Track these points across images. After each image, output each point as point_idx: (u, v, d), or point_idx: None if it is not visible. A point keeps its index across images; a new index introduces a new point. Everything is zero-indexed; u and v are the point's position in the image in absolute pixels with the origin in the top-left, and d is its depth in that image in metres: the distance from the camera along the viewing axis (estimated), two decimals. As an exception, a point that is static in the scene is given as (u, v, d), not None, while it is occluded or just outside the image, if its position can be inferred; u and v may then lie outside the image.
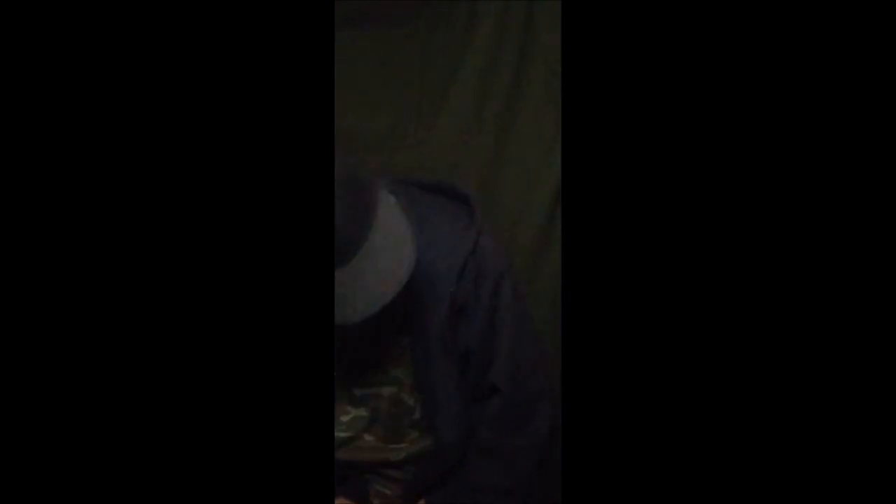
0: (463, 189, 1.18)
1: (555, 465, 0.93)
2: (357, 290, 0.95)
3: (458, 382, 1.14)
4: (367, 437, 1.16)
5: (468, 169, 1.40)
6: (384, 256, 0.96)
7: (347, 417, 1.15)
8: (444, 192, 1.15)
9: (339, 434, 1.15)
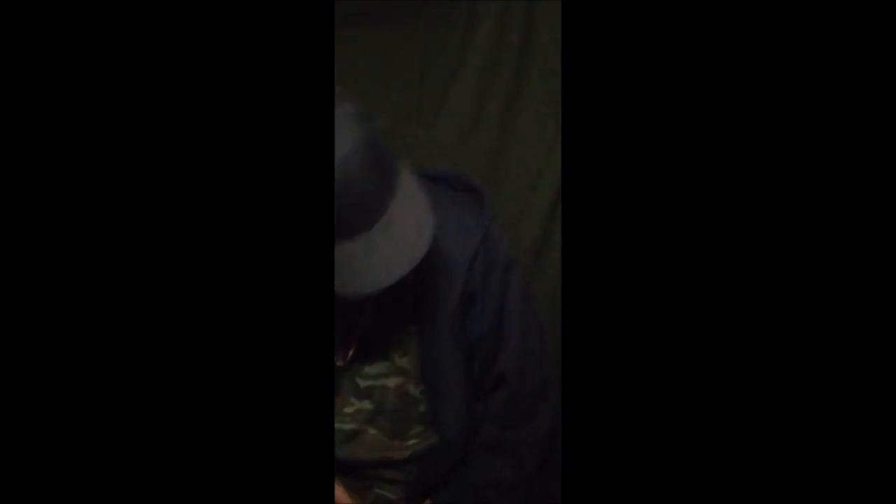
0: (471, 180, 1.17)
1: (560, 461, 0.93)
2: (373, 260, 0.94)
3: (464, 374, 1.13)
4: (372, 431, 1.15)
5: (468, 169, 1.40)
6: (403, 229, 0.95)
7: (351, 409, 1.14)
8: (452, 183, 1.15)
9: (343, 426, 1.14)
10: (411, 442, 1.16)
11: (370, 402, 1.13)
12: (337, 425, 1.13)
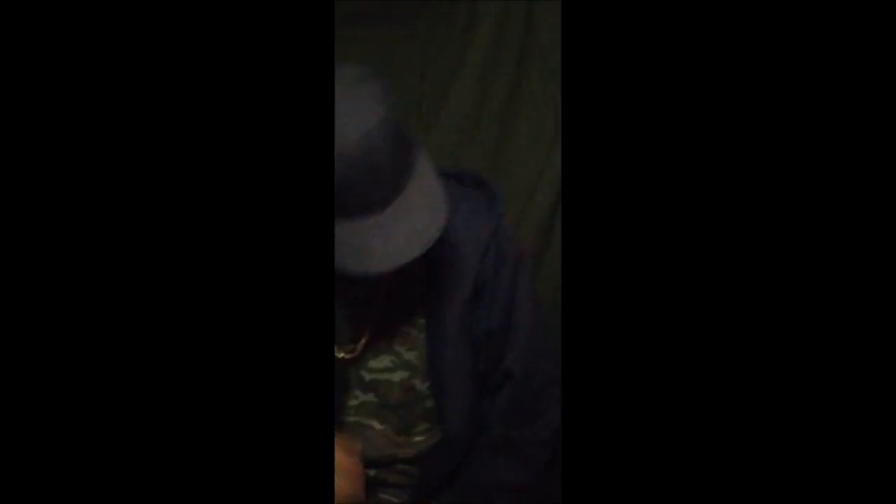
0: (481, 177, 1.18)
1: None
2: (384, 241, 0.93)
3: (470, 370, 1.12)
4: (377, 426, 1.14)
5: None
6: (416, 213, 0.95)
7: (356, 402, 1.13)
8: (462, 179, 1.14)
9: (348, 419, 1.13)
10: (417, 439, 1.15)
11: (375, 396, 1.12)
12: (341, 419, 1.12)
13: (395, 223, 0.94)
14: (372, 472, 1.16)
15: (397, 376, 1.12)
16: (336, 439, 1.00)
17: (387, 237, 0.94)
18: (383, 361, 1.12)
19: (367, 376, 1.12)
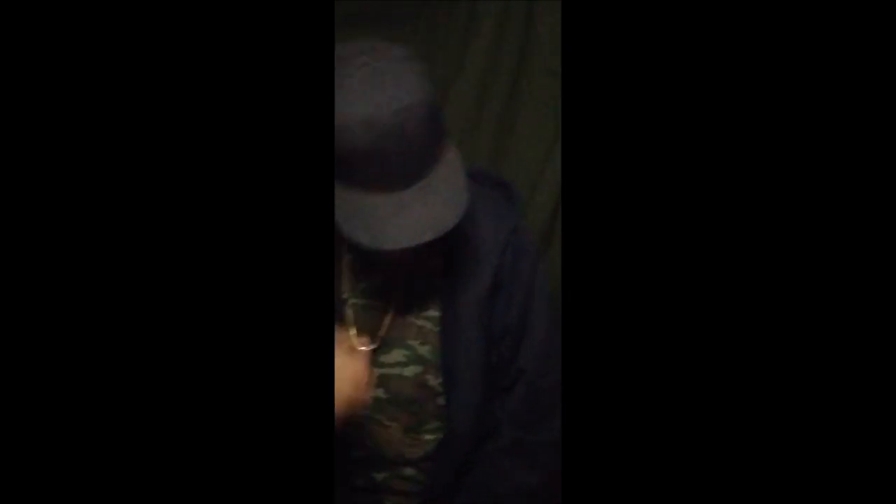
0: (498, 176, 1.17)
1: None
2: (400, 220, 0.93)
3: (484, 366, 1.11)
4: (386, 423, 1.13)
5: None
6: (438, 197, 0.95)
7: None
8: (478, 178, 1.14)
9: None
10: (427, 438, 1.14)
11: (385, 392, 1.11)
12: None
13: (414, 204, 0.94)
14: (379, 477, 1.15)
15: (410, 371, 1.11)
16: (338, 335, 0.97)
17: (404, 216, 0.93)
18: (395, 356, 1.11)
19: (378, 371, 1.10)
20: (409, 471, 1.15)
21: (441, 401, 1.12)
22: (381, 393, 1.11)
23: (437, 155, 0.96)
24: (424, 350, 1.11)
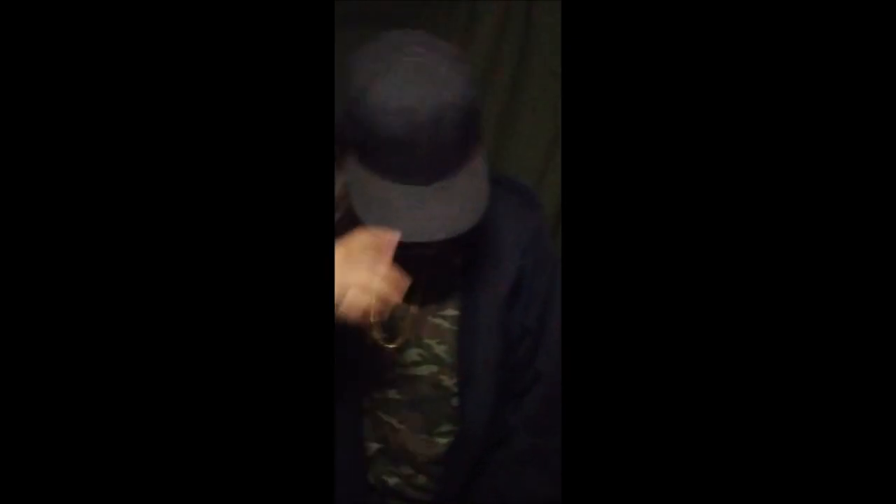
0: (519, 181, 1.18)
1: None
2: (415, 214, 0.93)
3: (499, 366, 1.11)
4: (398, 425, 1.12)
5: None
6: (458, 199, 0.95)
7: (377, 397, 1.11)
8: (503, 183, 1.14)
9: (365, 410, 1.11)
10: (439, 440, 1.13)
11: (398, 393, 1.11)
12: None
13: (431, 201, 0.94)
14: (392, 481, 1.15)
15: (424, 370, 1.10)
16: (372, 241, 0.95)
17: (419, 212, 0.93)
18: (410, 355, 1.10)
19: (391, 372, 1.10)
20: (421, 479, 1.15)
21: (455, 402, 1.11)
22: (393, 394, 1.11)
23: (465, 159, 0.96)
24: (441, 349, 1.10)
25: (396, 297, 0.94)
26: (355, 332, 1.04)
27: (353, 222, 0.95)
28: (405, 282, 0.94)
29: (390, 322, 1.08)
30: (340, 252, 0.91)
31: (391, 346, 1.08)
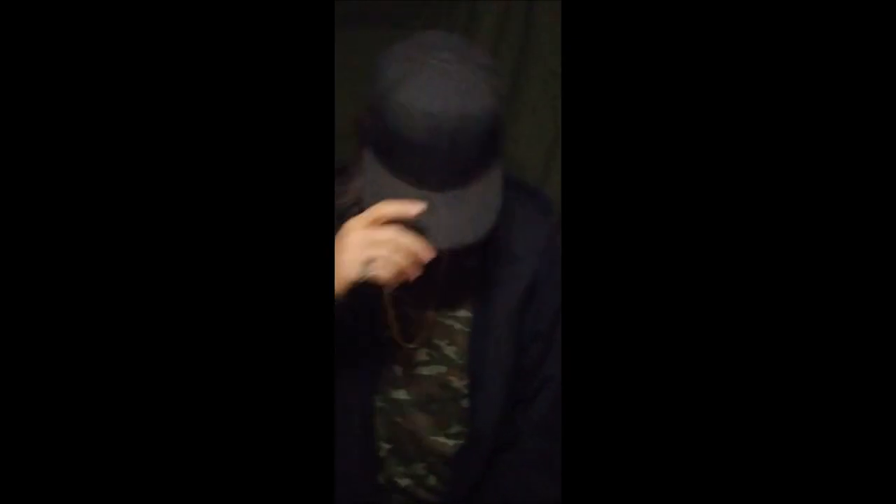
0: (530, 185, 1.17)
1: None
2: (426, 219, 0.92)
3: (510, 369, 1.10)
4: (408, 426, 1.11)
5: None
6: (468, 211, 0.95)
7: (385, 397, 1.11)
8: (516, 186, 1.14)
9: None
10: (448, 441, 1.12)
11: (406, 393, 1.10)
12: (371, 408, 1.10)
13: (441, 209, 0.93)
14: (403, 483, 1.15)
15: (431, 370, 1.10)
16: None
17: (429, 217, 0.93)
18: (419, 354, 1.10)
19: (399, 371, 1.09)
20: (432, 479, 1.15)
21: (465, 403, 1.11)
22: (402, 394, 1.11)
23: (482, 171, 0.95)
24: (451, 350, 1.10)
25: (428, 254, 0.93)
26: (379, 302, 1.05)
27: (362, 212, 0.95)
28: (430, 249, 0.94)
29: (408, 320, 1.08)
30: (364, 219, 0.91)
31: (410, 345, 1.08)
